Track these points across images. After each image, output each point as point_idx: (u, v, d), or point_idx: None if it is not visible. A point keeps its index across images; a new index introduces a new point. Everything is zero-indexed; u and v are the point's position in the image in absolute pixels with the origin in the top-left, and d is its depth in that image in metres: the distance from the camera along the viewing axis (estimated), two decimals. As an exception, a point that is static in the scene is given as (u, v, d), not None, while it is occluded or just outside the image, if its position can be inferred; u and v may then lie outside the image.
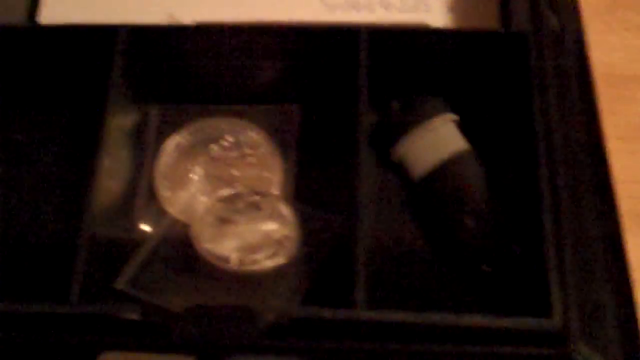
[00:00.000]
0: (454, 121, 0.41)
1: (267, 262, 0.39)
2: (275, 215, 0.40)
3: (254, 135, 0.43)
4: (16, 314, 0.34)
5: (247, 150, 0.43)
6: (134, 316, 0.34)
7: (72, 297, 0.34)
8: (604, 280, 0.41)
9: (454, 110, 0.41)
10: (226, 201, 0.40)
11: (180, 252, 0.39)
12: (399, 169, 0.42)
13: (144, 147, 0.43)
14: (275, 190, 0.42)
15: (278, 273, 0.39)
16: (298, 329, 0.33)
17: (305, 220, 0.40)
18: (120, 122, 0.40)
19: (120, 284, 0.38)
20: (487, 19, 0.45)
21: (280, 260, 0.39)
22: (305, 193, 0.42)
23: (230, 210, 0.40)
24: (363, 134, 0.38)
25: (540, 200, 0.35)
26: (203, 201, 0.41)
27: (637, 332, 0.40)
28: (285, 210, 0.40)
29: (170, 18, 0.45)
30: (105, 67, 0.39)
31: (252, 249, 0.39)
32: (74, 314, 0.34)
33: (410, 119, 0.41)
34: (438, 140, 0.41)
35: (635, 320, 0.40)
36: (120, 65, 0.39)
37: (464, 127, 0.41)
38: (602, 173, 0.44)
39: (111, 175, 0.38)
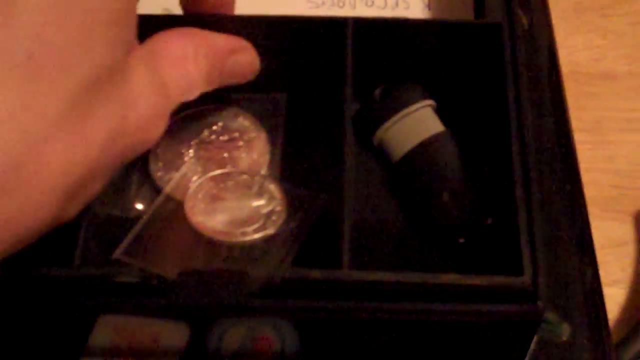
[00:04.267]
0: (431, 106, 0.44)
1: (255, 234, 0.41)
2: (263, 192, 0.42)
3: (243, 120, 0.45)
4: (22, 278, 0.36)
5: (237, 135, 0.45)
6: (132, 279, 0.36)
7: (74, 263, 0.36)
8: (571, 257, 0.44)
9: (432, 96, 0.44)
10: (217, 180, 0.43)
11: (174, 225, 0.42)
12: (381, 152, 0.45)
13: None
14: (263, 172, 0.44)
15: (266, 244, 0.41)
16: (288, 291, 0.36)
17: (291, 197, 0.42)
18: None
19: (118, 253, 0.40)
20: (463, 14, 0.49)
21: (268, 232, 0.41)
22: (292, 174, 0.44)
23: (221, 188, 0.42)
24: (348, 120, 0.40)
25: (512, 173, 0.38)
26: (194, 180, 0.43)
27: (601, 305, 0.43)
28: (272, 187, 0.42)
29: (165, 11, 0.47)
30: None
31: (242, 222, 0.41)
32: (75, 276, 0.36)
33: (390, 105, 0.44)
34: (416, 124, 0.44)
35: (600, 293, 0.43)
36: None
37: (442, 112, 0.44)
38: (569, 161, 0.47)
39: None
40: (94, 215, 0.40)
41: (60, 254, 0.38)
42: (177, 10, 0.48)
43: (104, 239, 0.41)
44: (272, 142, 0.45)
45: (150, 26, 0.43)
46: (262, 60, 0.46)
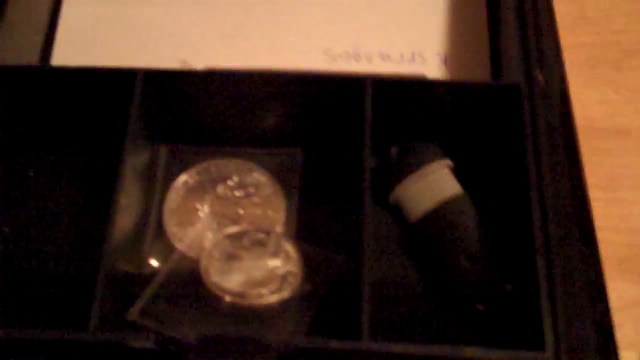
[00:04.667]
0: (449, 166, 0.44)
1: (272, 296, 0.41)
2: (279, 252, 0.42)
3: (258, 176, 0.45)
4: (38, 340, 0.36)
5: (252, 190, 0.45)
6: (149, 345, 0.36)
7: (90, 326, 0.36)
8: (588, 319, 0.43)
9: (449, 156, 0.44)
10: (232, 238, 0.42)
11: (188, 285, 0.41)
12: (397, 210, 0.44)
13: (153, 185, 0.45)
14: (279, 229, 0.44)
15: (282, 307, 0.41)
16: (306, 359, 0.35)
17: (307, 258, 0.42)
18: (135, 161, 0.41)
19: (132, 314, 0.39)
20: (480, 72, 0.49)
21: (284, 294, 0.41)
22: (307, 232, 0.44)
23: (237, 247, 0.42)
24: (367, 179, 0.40)
25: (533, 241, 0.38)
26: (209, 237, 0.43)
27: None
28: (289, 247, 0.42)
29: (183, 63, 0.47)
30: (124, 108, 0.41)
31: (258, 283, 0.41)
32: (92, 341, 0.35)
33: (407, 164, 0.44)
34: (434, 184, 0.43)
35: (616, 355, 0.43)
36: (138, 106, 0.41)
37: (459, 173, 0.44)
38: (585, 220, 0.47)
39: (125, 212, 0.40)
40: (109, 270, 0.39)
41: (77, 311, 0.37)
42: (194, 61, 0.48)
43: (118, 296, 0.40)
44: (287, 198, 0.45)
45: (168, 80, 0.44)
46: (277, 115, 0.46)
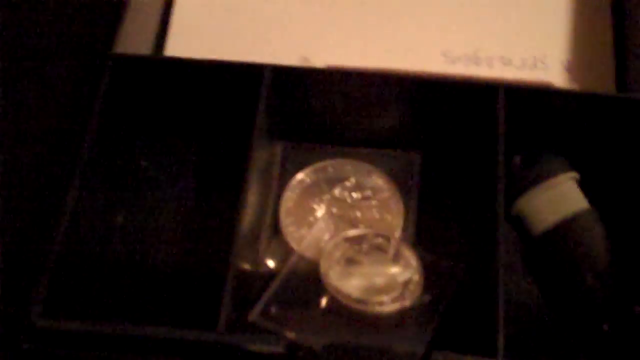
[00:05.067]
0: (575, 179, 0.43)
1: (393, 305, 0.40)
2: (399, 258, 0.41)
3: (377, 179, 0.44)
4: (164, 339, 0.35)
5: (370, 193, 0.44)
6: (278, 349, 0.35)
7: (220, 327, 0.35)
8: None
9: (574, 168, 0.43)
10: (351, 241, 0.42)
11: (307, 287, 0.41)
12: (519, 222, 0.43)
13: (270, 182, 0.44)
14: (397, 234, 0.43)
15: (402, 316, 0.40)
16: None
17: (428, 266, 0.41)
18: (259, 158, 0.41)
19: (254, 315, 0.39)
20: (603, 80, 0.47)
21: (405, 303, 0.40)
22: (425, 239, 0.43)
23: (356, 251, 0.41)
24: (501, 189, 0.39)
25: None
26: (326, 240, 0.42)
27: None
28: (409, 254, 0.41)
29: (303, 60, 0.47)
30: (250, 103, 0.40)
31: (379, 290, 0.40)
32: (222, 343, 0.35)
33: (533, 174, 0.42)
34: (560, 198, 0.42)
35: None
36: (265, 103, 0.40)
37: (584, 186, 0.43)
38: None
39: (249, 209, 0.40)
40: (236, 270, 0.39)
41: (204, 310, 0.37)
42: (316, 58, 0.47)
43: (239, 297, 0.40)
44: (405, 203, 0.44)
45: (293, 77, 0.43)
46: (397, 117, 0.45)
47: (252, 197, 0.40)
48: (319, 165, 0.45)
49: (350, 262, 0.41)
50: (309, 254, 0.42)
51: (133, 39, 0.46)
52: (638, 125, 0.42)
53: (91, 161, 0.40)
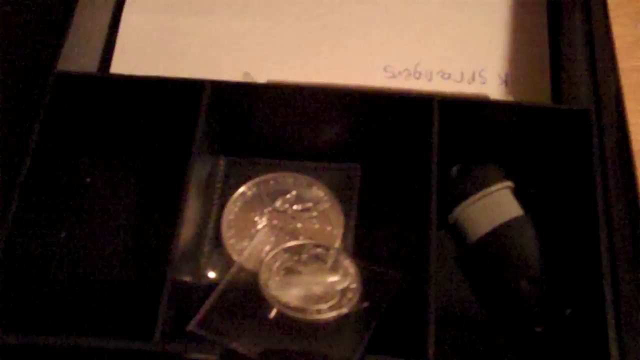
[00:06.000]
0: (510, 188, 0.44)
1: (330, 312, 0.40)
2: (338, 267, 0.42)
3: (317, 191, 0.45)
4: (101, 349, 0.36)
5: (310, 205, 0.45)
6: (213, 358, 0.36)
7: (155, 336, 0.36)
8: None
9: (509, 177, 0.44)
10: (291, 252, 0.42)
11: (246, 297, 0.41)
12: (455, 230, 0.44)
13: (211, 196, 0.45)
14: (337, 245, 0.44)
15: (340, 323, 0.40)
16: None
17: (366, 274, 0.42)
18: (198, 172, 0.41)
19: (192, 325, 0.39)
20: (540, 94, 0.48)
21: (343, 310, 0.40)
22: (364, 249, 0.44)
23: (295, 261, 0.42)
24: (434, 198, 0.39)
25: (600, 265, 0.37)
26: (266, 251, 0.43)
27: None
28: (347, 263, 0.42)
29: (246, 76, 0.47)
30: (190, 118, 0.41)
31: (317, 299, 0.41)
32: (157, 352, 0.35)
33: (468, 184, 0.43)
34: (494, 206, 0.43)
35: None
36: (205, 118, 0.41)
37: (519, 194, 0.44)
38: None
39: (188, 223, 0.40)
40: (173, 282, 0.39)
41: (140, 321, 0.37)
42: (258, 73, 0.48)
43: (178, 307, 0.40)
44: (345, 213, 0.45)
45: (233, 92, 0.44)
46: (337, 130, 0.45)
47: (191, 211, 0.41)
48: (261, 178, 0.45)
49: (289, 272, 0.42)
50: (249, 265, 0.42)
51: (77, 57, 0.46)
52: (569, 133, 0.43)
53: (32, 177, 0.41)
